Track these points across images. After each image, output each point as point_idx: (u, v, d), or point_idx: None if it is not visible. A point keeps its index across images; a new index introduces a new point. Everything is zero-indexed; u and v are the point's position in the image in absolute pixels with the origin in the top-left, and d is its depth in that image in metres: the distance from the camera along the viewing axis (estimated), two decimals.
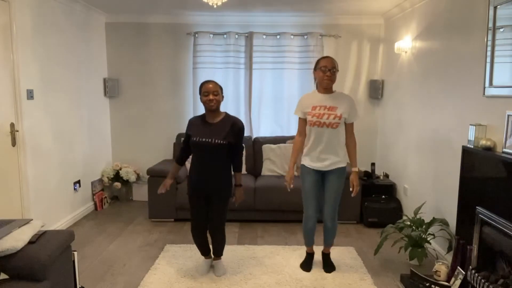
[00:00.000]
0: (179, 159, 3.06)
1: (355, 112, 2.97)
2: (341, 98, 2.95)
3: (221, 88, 2.88)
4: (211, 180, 2.88)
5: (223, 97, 2.92)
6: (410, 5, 4.04)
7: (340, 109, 2.89)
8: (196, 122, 2.94)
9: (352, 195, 3.01)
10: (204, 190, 2.91)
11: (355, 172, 3.00)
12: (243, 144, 3.01)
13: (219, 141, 2.80)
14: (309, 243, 3.17)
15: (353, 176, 3.00)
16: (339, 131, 2.92)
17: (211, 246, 3.12)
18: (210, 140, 2.80)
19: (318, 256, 3.28)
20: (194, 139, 2.84)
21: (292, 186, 3.05)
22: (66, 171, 4.14)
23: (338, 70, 2.94)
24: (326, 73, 2.86)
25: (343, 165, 2.97)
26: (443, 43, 3.40)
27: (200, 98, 2.86)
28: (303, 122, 3.04)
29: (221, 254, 3.14)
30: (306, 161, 3.01)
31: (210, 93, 2.79)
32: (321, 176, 3.00)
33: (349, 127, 3.00)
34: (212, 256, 3.18)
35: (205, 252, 3.13)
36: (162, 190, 2.99)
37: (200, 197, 2.94)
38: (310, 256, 3.22)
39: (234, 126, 2.86)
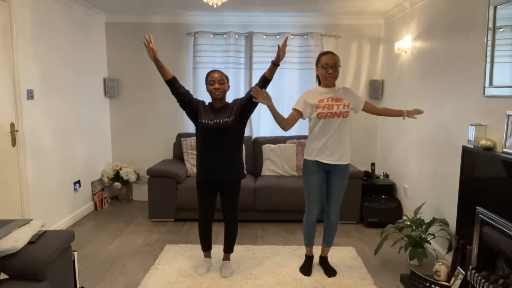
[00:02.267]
0: (174, 79, 2.88)
1: (358, 96, 3.02)
2: (343, 90, 2.98)
3: (227, 78, 2.91)
4: (222, 166, 2.88)
5: (229, 86, 2.95)
6: (410, 5, 4.04)
7: (345, 99, 2.91)
8: (204, 106, 2.95)
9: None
10: (215, 177, 2.91)
11: (408, 111, 3.01)
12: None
13: (226, 119, 2.83)
14: (309, 242, 3.15)
15: (409, 111, 3.00)
16: (348, 122, 2.91)
17: (213, 244, 3.12)
18: (218, 120, 2.83)
19: (317, 259, 3.27)
20: (203, 121, 2.85)
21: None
22: (66, 171, 4.14)
23: (340, 66, 2.93)
24: (328, 71, 2.85)
25: (347, 161, 2.96)
26: (443, 43, 3.40)
27: (206, 87, 2.89)
28: (297, 114, 2.90)
29: (232, 250, 3.15)
30: (312, 155, 2.92)
31: (216, 82, 2.83)
32: (325, 173, 2.98)
33: (369, 106, 3.03)
34: (210, 254, 3.19)
35: (207, 246, 3.15)
36: (146, 40, 2.77)
37: (209, 186, 2.95)
38: (309, 259, 3.19)
39: (235, 100, 2.94)
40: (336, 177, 2.96)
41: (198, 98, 3.01)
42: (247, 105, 2.87)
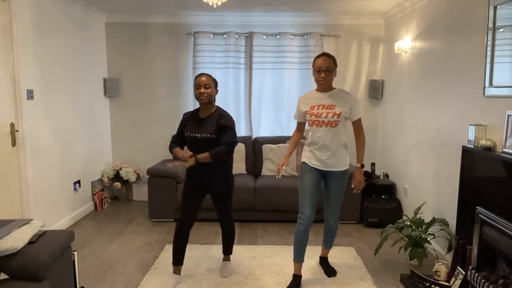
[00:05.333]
0: (175, 144, 2.90)
1: (357, 108, 2.83)
2: (340, 95, 2.84)
3: (214, 81, 2.80)
4: (208, 176, 2.83)
5: (217, 90, 2.85)
6: (410, 5, 4.04)
7: (339, 107, 2.78)
8: (190, 117, 2.90)
9: (354, 191, 2.92)
10: (202, 186, 2.87)
11: (358, 168, 2.85)
12: (233, 141, 2.77)
13: (206, 135, 2.74)
14: (298, 256, 2.87)
15: (356, 172, 2.85)
16: (339, 130, 2.80)
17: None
18: (198, 135, 2.76)
19: (318, 260, 3.27)
20: (186, 134, 2.83)
21: (280, 175, 2.88)
22: (66, 171, 4.14)
23: (336, 66, 2.81)
24: (321, 75, 2.76)
25: (344, 168, 2.86)
26: (443, 43, 3.40)
27: (193, 91, 2.83)
28: (301, 123, 3.02)
29: (231, 252, 3.14)
30: (306, 159, 2.91)
31: (202, 86, 2.73)
32: (321, 176, 2.89)
33: (355, 124, 2.88)
34: (180, 270, 3.00)
35: (178, 259, 2.92)
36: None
37: (195, 190, 2.87)
38: (296, 280, 2.88)
39: (220, 119, 2.77)
40: (331, 182, 2.89)
41: (184, 114, 2.95)
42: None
